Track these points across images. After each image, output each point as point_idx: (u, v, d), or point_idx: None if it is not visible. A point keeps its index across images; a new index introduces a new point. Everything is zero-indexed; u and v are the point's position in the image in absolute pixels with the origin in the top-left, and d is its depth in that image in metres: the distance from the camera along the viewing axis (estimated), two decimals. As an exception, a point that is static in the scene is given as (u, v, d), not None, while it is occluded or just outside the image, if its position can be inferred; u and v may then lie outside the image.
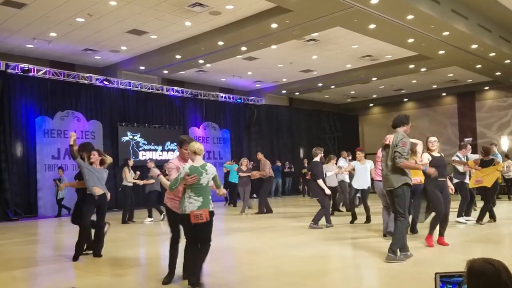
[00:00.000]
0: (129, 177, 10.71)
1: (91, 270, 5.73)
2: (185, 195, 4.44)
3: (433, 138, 6.55)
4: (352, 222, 9.41)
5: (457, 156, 9.08)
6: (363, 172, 9.49)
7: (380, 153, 7.28)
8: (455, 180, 8.94)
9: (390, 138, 5.57)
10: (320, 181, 8.72)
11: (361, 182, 9.51)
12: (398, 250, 5.38)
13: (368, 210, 9.48)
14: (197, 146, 4.55)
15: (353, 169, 9.84)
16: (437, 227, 6.33)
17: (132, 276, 5.37)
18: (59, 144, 13.69)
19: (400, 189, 5.40)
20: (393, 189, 5.45)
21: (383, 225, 7.50)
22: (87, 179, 6.35)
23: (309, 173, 9.30)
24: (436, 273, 1.89)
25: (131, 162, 11.26)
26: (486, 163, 8.55)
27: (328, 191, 8.84)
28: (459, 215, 8.83)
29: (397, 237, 5.41)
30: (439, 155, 6.49)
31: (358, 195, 10.13)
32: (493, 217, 8.79)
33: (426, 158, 6.34)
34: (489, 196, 8.48)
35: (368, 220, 9.35)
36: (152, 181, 10.61)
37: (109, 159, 6.74)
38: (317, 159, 8.95)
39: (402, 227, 5.44)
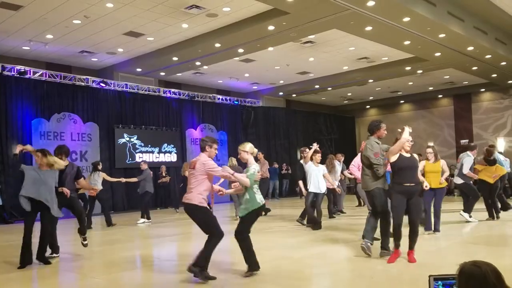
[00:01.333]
0: (92, 181, 10.54)
1: (85, 273, 5.72)
2: (253, 190, 5.08)
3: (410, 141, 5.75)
4: (312, 226, 8.95)
5: (468, 154, 9.17)
6: (317, 174, 9.00)
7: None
8: (459, 181, 9.06)
9: (363, 145, 6.07)
10: (300, 182, 8.89)
11: (316, 185, 8.93)
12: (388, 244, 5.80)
13: (320, 215, 9.04)
14: (251, 146, 5.27)
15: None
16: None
17: (127, 279, 5.35)
18: (55, 146, 13.57)
19: (373, 191, 5.83)
20: (368, 190, 5.92)
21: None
22: (24, 184, 5.90)
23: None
24: (430, 276, 1.90)
25: (100, 166, 11.62)
26: (490, 162, 9.35)
27: (304, 192, 8.96)
28: (468, 211, 9.02)
29: (381, 233, 5.93)
30: (408, 155, 5.65)
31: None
32: (492, 216, 9.19)
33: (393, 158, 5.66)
34: (493, 192, 9.14)
35: (317, 225, 8.85)
36: (134, 179, 10.90)
37: (54, 161, 6.15)
38: (302, 160, 9.13)
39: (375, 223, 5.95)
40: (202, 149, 5.14)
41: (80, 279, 5.50)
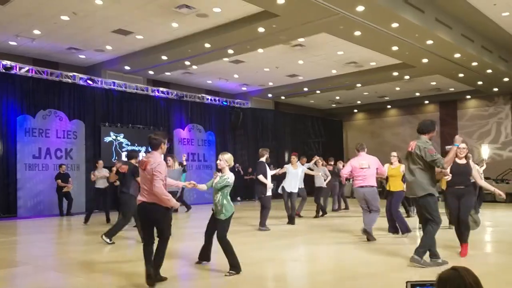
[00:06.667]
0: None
1: (67, 271, 5.66)
2: (227, 197, 5.47)
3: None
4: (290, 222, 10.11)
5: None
6: (293, 176, 10.20)
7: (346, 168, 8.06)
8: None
9: (412, 145, 5.60)
10: (260, 176, 9.02)
11: (291, 185, 10.15)
12: (424, 254, 5.39)
13: (293, 210, 10.26)
14: (230, 157, 5.72)
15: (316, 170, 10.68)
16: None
17: (110, 277, 5.31)
18: (40, 143, 13.49)
19: (424, 198, 5.43)
20: (416, 197, 5.51)
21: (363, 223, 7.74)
22: None
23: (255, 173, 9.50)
24: (407, 282, 1.92)
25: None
26: None
27: (270, 185, 9.09)
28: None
29: (425, 241, 5.43)
30: (462, 162, 6.20)
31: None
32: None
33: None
34: None
35: (291, 220, 10.11)
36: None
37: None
38: (262, 159, 9.27)
39: (433, 232, 5.45)
40: (156, 147, 4.91)
41: (61, 278, 5.44)
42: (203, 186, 5.73)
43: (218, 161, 5.65)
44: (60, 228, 11.08)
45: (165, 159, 8.07)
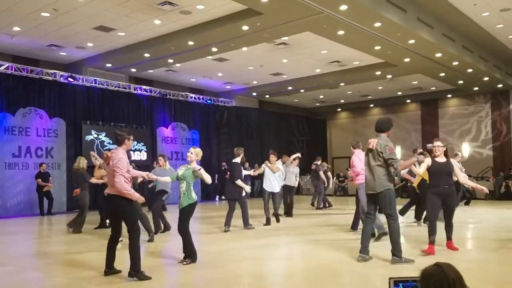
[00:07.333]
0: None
1: (48, 271, 5.57)
2: (191, 187, 5.74)
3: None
4: (271, 223, 9.79)
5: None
6: (273, 175, 10.02)
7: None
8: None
9: (373, 143, 5.67)
10: (238, 182, 8.74)
11: (271, 185, 9.97)
12: (400, 252, 5.46)
13: (276, 210, 10.13)
14: (200, 151, 6.04)
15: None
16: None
17: (91, 276, 5.23)
18: (20, 142, 13.24)
19: (384, 192, 5.54)
20: (375, 193, 5.61)
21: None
22: None
23: (228, 173, 9.26)
24: (390, 278, 1.92)
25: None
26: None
27: (248, 190, 8.97)
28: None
29: (395, 239, 5.51)
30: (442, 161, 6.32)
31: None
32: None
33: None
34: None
35: (276, 219, 10.05)
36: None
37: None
38: (237, 159, 8.92)
39: (396, 228, 5.56)
40: (120, 143, 5.11)
41: (42, 279, 5.35)
42: (166, 178, 6.15)
43: (189, 153, 5.92)
44: (41, 228, 10.89)
45: (156, 159, 8.40)
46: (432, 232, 6.12)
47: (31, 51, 14.12)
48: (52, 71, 14.42)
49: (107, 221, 9.15)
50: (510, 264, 5.70)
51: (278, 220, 10.17)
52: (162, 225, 8.59)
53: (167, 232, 8.61)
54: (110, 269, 5.08)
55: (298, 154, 11.78)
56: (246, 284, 4.90)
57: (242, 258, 6.25)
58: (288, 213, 11.59)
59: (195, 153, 5.88)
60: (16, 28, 11.98)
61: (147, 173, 6.12)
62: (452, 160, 6.78)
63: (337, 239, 7.61)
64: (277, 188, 10.09)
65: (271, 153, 10.40)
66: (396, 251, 5.47)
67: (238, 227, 9.20)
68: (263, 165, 10.38)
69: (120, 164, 4.87)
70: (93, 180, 8.93)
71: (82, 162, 9.26)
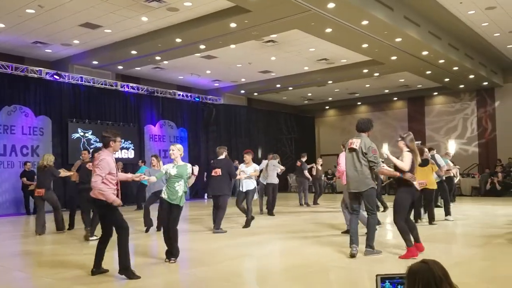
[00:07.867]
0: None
1: (33, 272, 5.50)
2: (174, 186, 5.71)
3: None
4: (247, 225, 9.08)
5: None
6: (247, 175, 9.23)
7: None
8: None
9: (357, 142, 5.72)
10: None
11: (246, 184, 9.25)
12: (373, 244, 5.77)
13: (249, 212, 9.17)
14: (181, 147, 6.00)
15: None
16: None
17: (77, 277, 5.19)
18: (5, 140, 13.05)
19: (369, 191, 5.72)
20: (359, 192, 5.76)
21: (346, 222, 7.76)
22: None
23: (215, 170, 8.57)
24: (377, 275, 1.94)
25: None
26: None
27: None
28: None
29: (371, 233, 5.80)
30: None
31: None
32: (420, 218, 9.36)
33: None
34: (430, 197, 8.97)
35: (247, 224, 9.02)
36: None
37: None
38: (222, 157, 8.75)
39: (373, 223, 5.86)
40: (105, 145, 5.01)
41: (28, 279, 5.28)
42: (153, 178, 6.13)
43: (171, 151, 5.88)
44: (26, 227, 10.75)
45: (149, 159, 8.32)
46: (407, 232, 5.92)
47: (16, 48, 13.91)
48: (37, 68, 14.23)
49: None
50: (496, 260, 5.78)
51: (248, 225, 9.16)
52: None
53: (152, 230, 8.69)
54: (97, 269, 5.05)
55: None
56: (236, 281, 4.89)
57: (231, 256, 6.24)
58: (270, 211, 11.36)
59: (177, 149, 5.88)
60: (0, 25, 11.78)
61: (138, 174, 6.20)
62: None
63: (325, 236, 7.65)
64: (251, 185, 9.31)
65: (246, 152, 9.62)
66: (371, 243, 5.76)
67: (224, 226, 9.18)
68: (239, 168, 9.54)
69: (101, 165, 4.80)
70: (63, 173, 8.85)
71: (46, 159, 8.81)
